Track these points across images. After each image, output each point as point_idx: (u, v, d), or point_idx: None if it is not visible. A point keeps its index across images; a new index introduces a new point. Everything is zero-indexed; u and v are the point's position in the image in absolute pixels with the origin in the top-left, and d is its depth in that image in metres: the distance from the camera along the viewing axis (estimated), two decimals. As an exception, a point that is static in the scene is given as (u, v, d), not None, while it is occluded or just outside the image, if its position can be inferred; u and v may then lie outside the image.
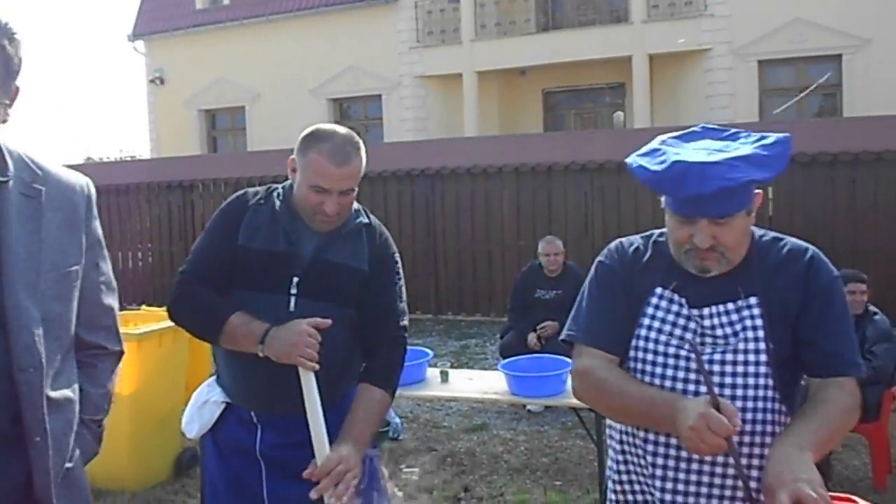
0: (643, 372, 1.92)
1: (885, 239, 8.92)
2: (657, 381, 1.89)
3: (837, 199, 9.21)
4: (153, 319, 5.18)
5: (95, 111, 63.44)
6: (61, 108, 67.85)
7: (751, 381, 1.85)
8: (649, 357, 1.92)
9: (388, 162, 11.54)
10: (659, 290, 1.93)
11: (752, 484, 1.82)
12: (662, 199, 1.92)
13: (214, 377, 2.51)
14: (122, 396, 4.99)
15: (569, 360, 5.23)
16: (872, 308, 5.14)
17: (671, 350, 1.90)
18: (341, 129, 2.31)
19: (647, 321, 1.93)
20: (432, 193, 11.33)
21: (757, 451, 1.87)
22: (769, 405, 1.87)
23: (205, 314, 2.32)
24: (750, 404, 1.85)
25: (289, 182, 2.38)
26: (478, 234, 11.11)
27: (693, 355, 1.83)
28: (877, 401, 4.87)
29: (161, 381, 5.13)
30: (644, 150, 1.91)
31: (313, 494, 2.06)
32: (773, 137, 1.83)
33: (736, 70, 16.05)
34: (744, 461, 1.83)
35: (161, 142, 21.24)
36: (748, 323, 1.87)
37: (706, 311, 1.89)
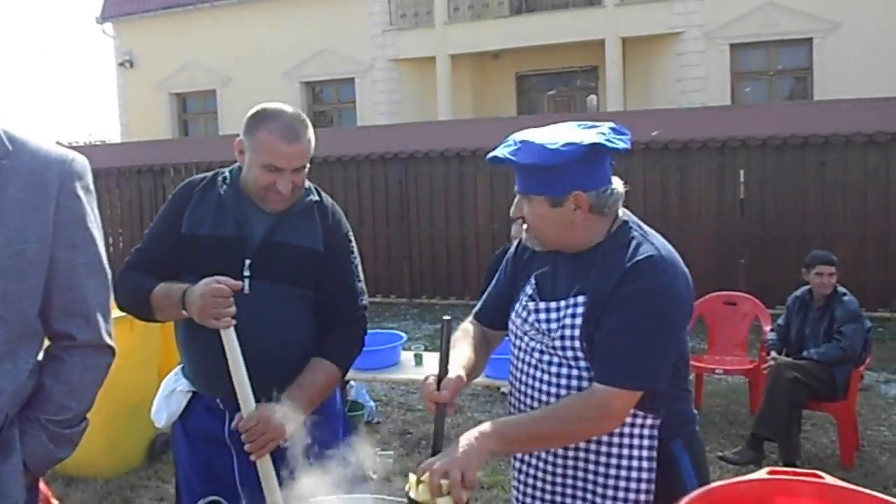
0: (514, 354, 2.12)
1: (854, 221, 9.02)
2: (517, 363, 2.10)
3: (807, 181, 9.30)
4: (124, 305, 5.12)
5: (64, 95, 62.58)
6: (29, 91, 66.88)
7: (564, 370, 1.97)
8: (511, 336, 2.13)
9: (362, 146, 11.50)
10: (533, 279, 2.08)
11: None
12: None
13: (181, 367, 2.50)
14: (94, 383, 4.96)
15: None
16: (841, 289, 5.21)
17: (526, 339, 2.06)
18: (288, 108, 2.28)
19: (516, 305, 2.11)
20: (406, 177, 11.30)
21: None
22: (584, 384, 1.95)
23: (135, 293, 2.31)
24: (559, 396, 1.96)
25: (236, 165, 2.35)
26: (452, 218, 11.11)
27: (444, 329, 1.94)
28: (845, 380, 4.95)
29: (133, 368, 5.09)
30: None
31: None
32: (608, 126, 1.99)
33: (708, 53, 16.13)
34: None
35: (131, 126, 20.99)
36: (567, 322, 1.95)
37: (542, 304, 2.02)
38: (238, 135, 2.28)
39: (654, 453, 1.96)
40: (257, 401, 2.14)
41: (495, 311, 2.23)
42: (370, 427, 5.91)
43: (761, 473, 1.89)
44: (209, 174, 2.41)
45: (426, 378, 1.93)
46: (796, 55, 15.78)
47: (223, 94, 20.00)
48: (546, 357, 1.99)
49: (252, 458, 2.07)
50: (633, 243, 1.93)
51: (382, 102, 18.40)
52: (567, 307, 1.96)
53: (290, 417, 2.15)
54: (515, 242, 2.23)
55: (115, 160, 13.23)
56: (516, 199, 1.99)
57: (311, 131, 2.27)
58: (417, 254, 11.31)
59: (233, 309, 2.09)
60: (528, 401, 2.03)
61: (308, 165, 2.28)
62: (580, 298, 1.94)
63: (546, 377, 1.99)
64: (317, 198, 2.39)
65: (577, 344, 1.92)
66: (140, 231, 12.63)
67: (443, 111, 17.11)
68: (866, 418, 5.69)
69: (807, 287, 5.36)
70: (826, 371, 4.93)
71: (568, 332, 1.94)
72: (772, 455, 4.92)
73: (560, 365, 1.97)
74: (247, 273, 2.27)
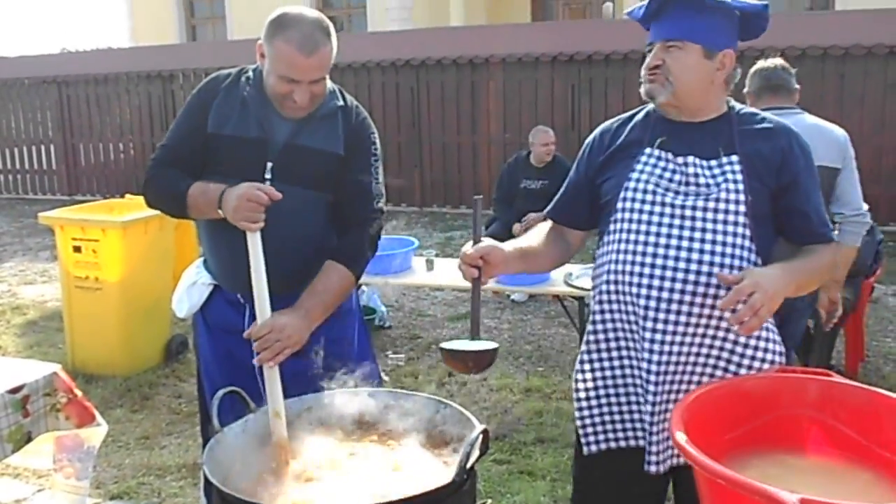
0: (630, 220, 2.02)
1: (870, 134, 8.91)
2: (643, 227, 1.99)
3: (826, 92, 9.14)
4: (137, 208, 5.17)
5: (70, 0, 61.30)
6: (33, -6, 65.51)
7: (729, 228, 1.95)
8: (636, 206, 2.01)
9: (373, 52, 11.32)
10: (648, 150, 2.04)
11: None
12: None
13: (202, 259, 2.53)
14: (110, 284, 5.04)
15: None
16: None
17: (657, 198, 1.99)
18: (310, 14, 2.20)
19: (634, 176, 2.03)
20: (417, 84, 11.17)
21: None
22: (744, 254, 1.95)
23: (169, 191, 2.33)
24: (728, 250, 1.94)
25: (259, 65, 2.31)
26: (463, 127, 11.02)
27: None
28: (855, 292, 4.97)
29: (148, 268, 5.16)
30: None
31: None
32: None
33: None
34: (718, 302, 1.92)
35: (138, 31, 20.61)
36: (729, 176, 1.96)
37: (690, 159, 1.99)
38: (248, 40, 2.23)
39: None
40: (273, 297, 2.16)
41: (575, 208, 2.25)
42: (381, 331, 6.01)
43: (770, 372, 1.93)
44: (234, 70, 2.38)
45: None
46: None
47: (231, -2, 19.58)
48: (700, 213, 1.95)
49: (267, 365, 2.08)
50: (749, 111, 2.10)
51: (394, 8, 17.96)
52: (720, 165, 1.97)
53: (302, 326, 2.18)
54: (591, 138, 2.23)
55: (123, 65, 13.09)
56: (654, 50, 2.02)
57: (333, 40, 2.21)
58: (428, 162, 11.26)
59: (263, 216, 2.11)
60: (672, 261, 1.94)
61: (327, 77, 2.24)
62: (733, 157, 1.97)
63: (699, 234, 1.94)
64: (341, 102, 2.37)
65: (741, 197, 1.94)
66: (150, 137, 12.61)
67: (455, 17, 16.71)
68: (872, 329, 5.75)
69: None
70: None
71: (732, 187, 1.94)
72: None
73: (723, 222, 1.95)
74: (268, 175, 2.27)
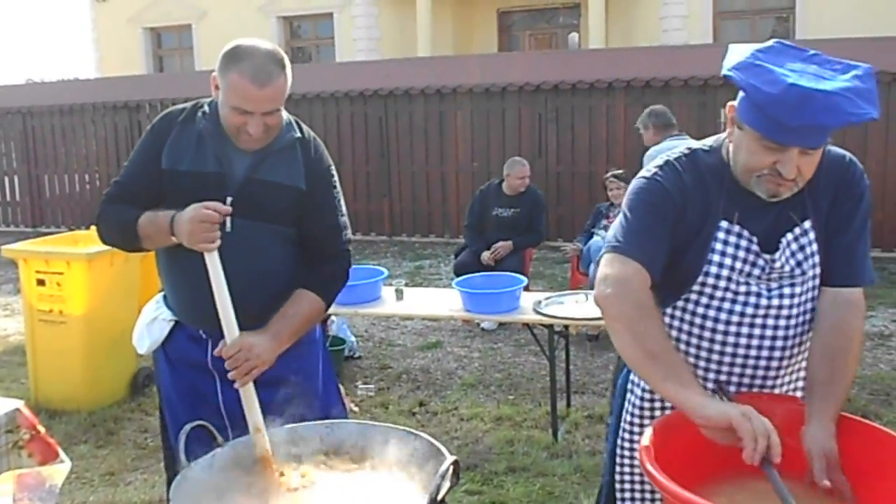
0: (709, 307, 1.92)
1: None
2: (723, 316, 1.90)
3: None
4: (103, 240, 5.10)
5: (36, 30, 60.98)
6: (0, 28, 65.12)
7: (812, 306, 1.91)
8: (718, 293, 1.90)
9: (341, 82, 11.36)
10: (725, 224, 1.87)
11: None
12: (728, 114, 1.85)
13: (162, 295, 2.50)
14: (75, 317, 4.97)
15: (522, 277, 5.30)
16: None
17: (741, 287, 1.89)
18: (264, 45, 2.18)
19: (717, 257, 1.88)
20: (386, 114, 11.21)
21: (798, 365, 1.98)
22: (810, 319, 1.93)
23: (120, 224, 2.30)
24: (807, 327, 1.92)
25: (214, 98, 2.29)
26: (431, 156, 11.07)
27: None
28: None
29: (114, 301, 5.09)
30: (737, 61, 1.76)
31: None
32: (863, 68, 1.72)
33: (690, -9, 15.95)
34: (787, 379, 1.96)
35: (105, 62, 20.52)
36: (807, 251, 1.88)
37: (777, 254, 1.88)
38: (214, 70, 2.23)
39: None
40: (241, 331, 2.14)
41: (661, 259, 1.88)
42: (351, 361, 5.97)
43: (737, 397, 1.94)
44: (188, 105, 2.36)
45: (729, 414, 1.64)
46: (779, -6, 15.65)
47: (199, 29, 19.55)
48: (797, 300, 1.89)
49: (235, 385, 2.09)
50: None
51: (361, 38, 18.08)
52: (795, 238, 1.88)
53: (272, 347, 2.17)
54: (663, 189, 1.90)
55: (89, 96, 13.01)
56: (784, 161, 1.73)
57: (286, 71, 2.18)
58: (397, 192, 11.29)
59: (218, 233, 2.09)
60: (753, 359, 1.91)
61: (282, 108, 2.23)
62: (807, 224, 1.88)
63: (783, 322, 1.89)
64: (298, 134, 2.35)
65: (818, 271, 1.89)
66: (116, 168, 12.48)
67: (423, 48, 16.85)
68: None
69: None
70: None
71: (811, 262, 1.88)
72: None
73: (812, 300, 1.91)
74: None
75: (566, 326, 4.83)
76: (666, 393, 1.73)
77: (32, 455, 2.53)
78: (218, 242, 2.09)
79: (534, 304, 4.62)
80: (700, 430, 1.68)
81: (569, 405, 5.00)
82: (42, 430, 2.58)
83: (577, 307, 4.58)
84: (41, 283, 5.01)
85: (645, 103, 9.86)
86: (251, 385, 2.08)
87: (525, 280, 4.97)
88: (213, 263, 2.09)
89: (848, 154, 1.94)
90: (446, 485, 1.67)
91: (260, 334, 2.17)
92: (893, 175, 9.14)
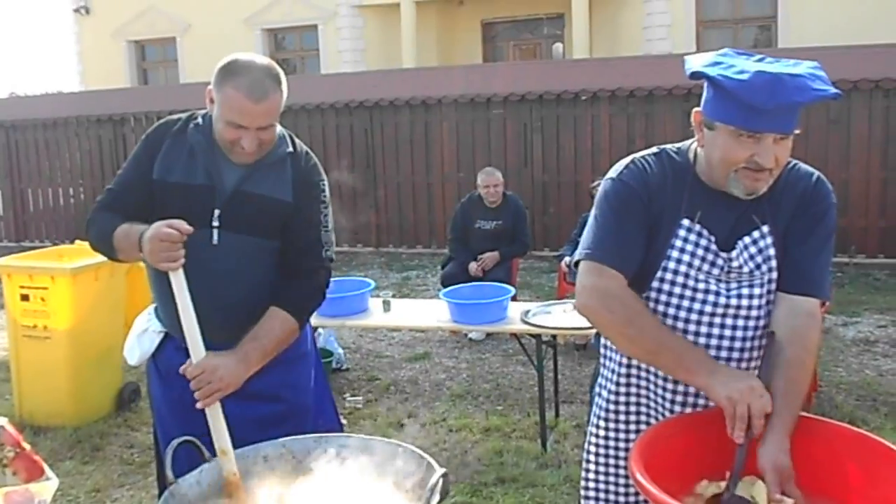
0: (668, 304, 1.93)
1: (814, 167, 9.11)
2: (682, 314, 1.92)
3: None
4: (88, 254, 5.06)
5: (18, 43, 60.69)
6: (-20, 39, 64.68)
7: (769, 308, 1.93)
8: (676, 290, 1.92)
9: (326, 94, 11.36)
10: (686, 223, 1.90)
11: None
12: (695, 119, 1.89)
13: (153, 307, 2.49)
14: (60, 332, 4.93)
15: (509, 287, 5.30)
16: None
17: (700, 285, 1.91)
18: (260, 60, 2.18)
19: (675, 254, 1.90)
20: (371, 126, 11.22)
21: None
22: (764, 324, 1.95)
23: (102, 233, 2.28)
24: (760, 332, 1.93)
25: (208, 111, 2.29)
26: (417, 167, 11.07)
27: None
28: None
29: (99, 316, 5.06)
30: (701, 62, 1.82)
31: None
32: (812, 62, 1.81)
33: (674, 1, 16.05)
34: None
35: (88, 75, 20.45)
36: (766, 254, 1.90)
37: (734, 253, 1.91)
38: (200, 83, 2.22)
39: None
40: (225, 346, 2.14)
41: (634, 259, 1.92)
42: (339, 373, 5.95)
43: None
44: (184, 116, 2.35)
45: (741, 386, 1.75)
46: (761, 3, 15.76)
47: (183, 42, 19.51)
48: (755, 302, 1.91)
49: (198, 405, 2.06)
50: (788, 170, 1.94)
51: (346, 50, 18.10)
52: (753, 242, 1.90)
53: (238, 370, 2.14)
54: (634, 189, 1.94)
55: (73, 109, 12.95)
56: (761, 151, 1.77)
57: (282, 87, 2.19)
58: (383, 203, 11.28)
59: (181, 252, 2.05)
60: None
61: (276, 123, 2.23)
62: (765, 228, 1.90)
63: (742, 322, 1.91)
64: (290, 148, 2.34)
65: (774, 275, 1.91)
66: (101, 182, 12.44)
67: (407, 59, 16.88)
68: (824, 360, 5.84)
69: None
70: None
71: (768, 265, 1.90)
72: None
73: (769, 303, 1.92)
74: (216, 223, 2.25)
75: (554, 336, 4.84)
76: (681, 380, 1.89)
77: (17, 473, 2.50)
78: (181, 262, 2.05)
79: (521, 314, 4.62)
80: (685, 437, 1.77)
81: (557, 415, 5.00)
82: (27, 447, 2.55)
83: (564, 317, 4.59)
84: (25, 298, 4.97)
85: (629, 112, 9.96)
86: (217, 406, 2.05)
87: (512, 290, 4.97)
88: (178, 282, 2.06)
89: (817, 172, 1.98)
90: (436, 497, 1.66)
91: (227, 356, 2.14)
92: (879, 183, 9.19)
